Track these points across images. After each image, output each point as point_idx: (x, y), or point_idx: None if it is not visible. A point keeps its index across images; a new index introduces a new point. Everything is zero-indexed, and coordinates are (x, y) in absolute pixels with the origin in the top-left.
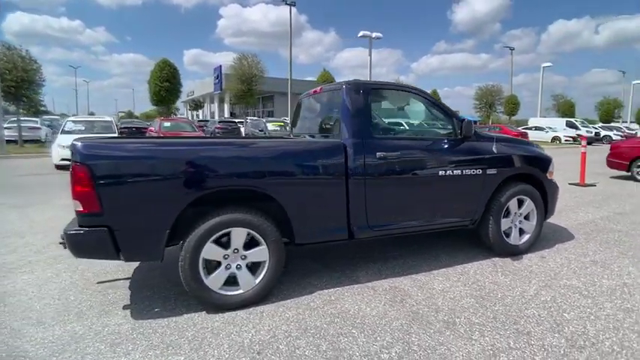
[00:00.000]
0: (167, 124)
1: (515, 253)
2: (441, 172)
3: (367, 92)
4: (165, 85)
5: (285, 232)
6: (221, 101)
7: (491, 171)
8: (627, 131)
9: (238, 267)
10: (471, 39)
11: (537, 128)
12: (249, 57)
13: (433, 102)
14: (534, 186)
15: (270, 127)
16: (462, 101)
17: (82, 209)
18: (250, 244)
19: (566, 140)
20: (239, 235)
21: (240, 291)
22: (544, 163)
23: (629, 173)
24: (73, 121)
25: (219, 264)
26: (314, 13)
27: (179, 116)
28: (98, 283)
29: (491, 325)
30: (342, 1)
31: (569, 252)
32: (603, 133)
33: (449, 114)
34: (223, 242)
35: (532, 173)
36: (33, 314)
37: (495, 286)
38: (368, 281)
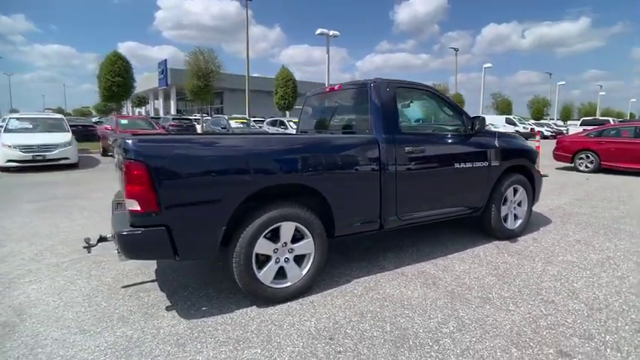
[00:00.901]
0: (124, 121)
1: (512, 236)
2: (456, 165)
3: (393, 90)
4: (117, 80)
5: (325, 225)
6: (166, 97)
7: (495, 163)
8: (556, 127)
9: (286, 260)
10: (411, 39)
11: None
12: (205, 52)
13: (445, 99)
14: (525, 176)
15: (233, 124)
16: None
17: (138, 209)
18: (296, 237)
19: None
20: (288, 229)
21: (289, 283)
22: (533, 155)
23: (572, 164)
24: (18, 119)
25: (268, 258)
26: (258, 8)
27: (124, 114)
28: (123, 287)
29: (520, 297)
30: None
31: (554, 233)
32: (537, 129)
33: (458, 111)
34: (273, 237)
35: (525, 165)
36: (70, 323)
37: (507, 265)
38: (395, 268)
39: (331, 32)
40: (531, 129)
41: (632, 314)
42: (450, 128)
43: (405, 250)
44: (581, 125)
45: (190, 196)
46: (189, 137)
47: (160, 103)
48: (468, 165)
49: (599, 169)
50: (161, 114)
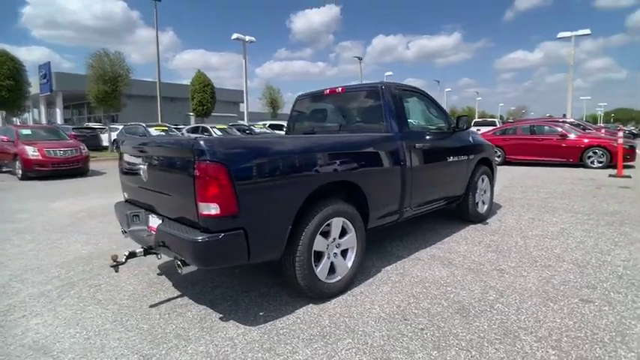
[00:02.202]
0: (26, 131)
1: (482, 219)
2: (449, 158)
3: (399, 91)
4: (7, 84)
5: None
6: (50, 104)
7: (472, 156)
8: None
9: (335, 255)
10: (309, 48)
11: None
12: (110, 54)
13: (433, 101)
14: (489, 167)
15: (153, 131)
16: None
17: (217, 212)
18: (342, 232)
19: None
20: (337, 225)
21: (339, 277)
22: (492, 149)
23: None
24: None
25: (321, 255)
26: (148, 10)
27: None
28: (152, 307)
29: (524, 266)
30: (181, 1)
31: (510, 215)
32: None
33: (442, 111)
34: (325, 233)
35: (488, 157)
36: (122, 351)
37: (496, 242)
38: (409, 255)
39: (247, 38)
40: None
41: (608, 267)
42: (439, 126)
43: (407, 239)
44: (474, 126)
45: (264, 197)
46: (261, 137)
47: (42, 111)
48: (457, 158)
49: (505, 162)
50: (44, 122)
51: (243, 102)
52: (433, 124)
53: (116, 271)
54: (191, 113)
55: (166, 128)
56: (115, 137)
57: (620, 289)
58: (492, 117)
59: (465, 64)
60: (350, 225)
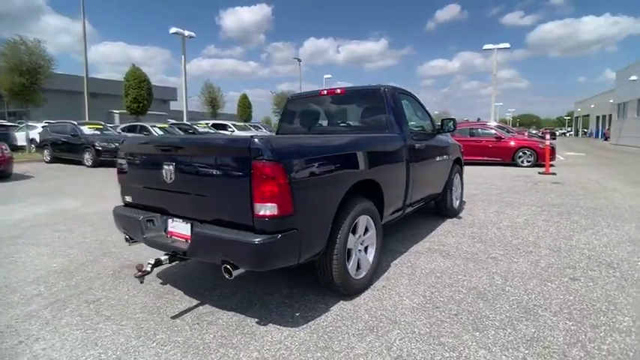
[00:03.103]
0: None
1: (456, 214)
2: (437, 157)
3: (397, 94)
4: None
5: None
6: None
7: (451, 156)
8: None
9: (359, 252)
10: (239, 46)
11: None
12: (29, 41)
13: (420, 103)
14: (459, 165)
15: (87, 130)
16: (232, 106)
17: (274, 213)
18: (365, 229)
19: None
20: (363, 222)
21: (364, 273)
22: (461, 148)
23: None
24: None
25: (349, 252)
26: None
27: None
28: (174, 317)
29: (511, 253)
30: None
31: (476, 209)
32: None
33: (427, 113)
34: (353, 231)
35: (459, 156)
36: None
37: (477, 234)
38: (407, 249)
39: (187, 32)
40: None
41: (577, 250)
42: (426, 127)
43: (397, 235)
44: None
45: (312, 196)
46: (311, 136)
47: None
48: (441, 158)
49: None
50: None
51: (174, 100)
52: (421, 125)
53: (141, 282)
54: (115, 111)
55: (101, 126)
56: (36, 136)
57: (593, 267)
58: None
59: (391, 70)
60: (372, 222)
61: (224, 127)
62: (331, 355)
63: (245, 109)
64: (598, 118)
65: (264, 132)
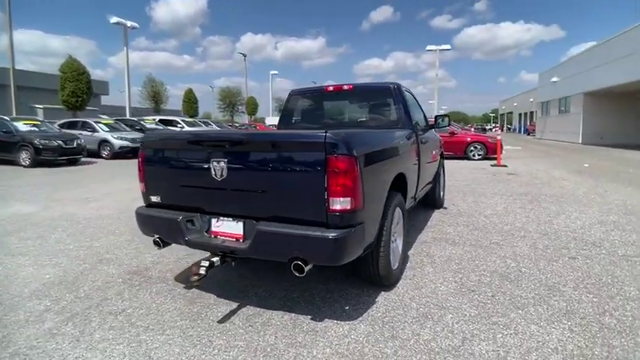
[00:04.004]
0: None
1: (442, 204)
2: (433, 151)
3: (404, 91)
4: None
5: None
6: None
7: (439, 150)
8: None
9: (392, 243)
10: (173, 39)
11: (275, 126)
12: None
13: (416, 100)
14: (442, 159)
15: (21, 126)
16: (174, 101)
17: (348, 207)
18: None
19: None
20: (397, 214)
21: (396, 264)
22: (442, 142)
23: None
24: None
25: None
26: None
27: None
28: (220, 322)
29: (510, 238)
30: None
31: (456, 199)
32: None
33: (421, 108)
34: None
35: (443, 151)
36: None
37: (470, 223)
38: (414, 239)
39: (129, 23)
40: None
41: (562, 233)
42: (420, 123)
43: None
44: None
45: (374, 189)
46: (370, 130)
47: None
48: (435, 151)
49: None
50: None
51: (105, 94)
52: (417, 120)
53: (198, 285)
54: (38, 105)
55: (39, 122)
56: None
57: (583, 247)
58: None
59: (329, 67)
60: (401, 213)
61: (171, 122)
62: (402, 343)
63: (191, 104)
64: (520, 115)
65: (215, 128)
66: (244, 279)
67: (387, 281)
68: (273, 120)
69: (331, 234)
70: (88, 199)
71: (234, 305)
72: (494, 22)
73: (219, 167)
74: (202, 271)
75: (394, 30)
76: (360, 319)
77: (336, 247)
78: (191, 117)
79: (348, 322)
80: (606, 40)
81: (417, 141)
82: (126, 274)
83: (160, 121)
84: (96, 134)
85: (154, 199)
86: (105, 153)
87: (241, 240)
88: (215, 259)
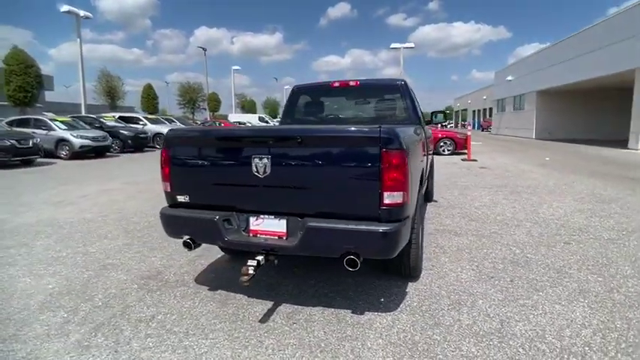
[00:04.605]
0: None
1: (432, 198)
2: (431, 146)
3: (409, 87)
4: None
5: None
6: None
7: (432, 144)
8: None
9: None
10: (121, 31)
11: (240, 123)
12: None
13: (415, 96)
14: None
15: None
16: (131, 98)
17: (400, 201)
18: None
19: None
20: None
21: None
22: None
23: None
24: None
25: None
26: None
27: None
28: (262, 322)
29: (506, 227)
30: None
31: (443, 192)
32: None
33: (418, 104)
34: None
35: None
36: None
37: (464, 214)
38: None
39: (82, 12)
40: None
41: (550, 221)
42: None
43: None
44: None
45: (414, 183)
46: (405, 126)
47: None
48: (431, 146)
49: None
50: None
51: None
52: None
53: (248, 285)
54: None
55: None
56: None
57: (572, 232)
58: None
59: (287, 63)
60: (420, 207)
61: (132, 119)
62: (447, 329)
63: (151, 100)
64: (474, 112)
65: (179, 125)
66: (269, 277)
67: (415, 272)
68: (236, 117)
69: (386, 228)
70: (62, 203)
71: (269, 304)
72: (447, 22)
73: (261, 164)
74: (251, 270)
75: (352, 27)
76: (399, 309)
77: (390, 241)
78: (150, 114)
79: (389, 313)
80: (556, 43)
81: (425, 136)
82: (139, 279)
83: (120, 118)
84: (52, 133)
85: (181, 198)
86: (63, 153)
87: (284, 237)
88: (260, 257)
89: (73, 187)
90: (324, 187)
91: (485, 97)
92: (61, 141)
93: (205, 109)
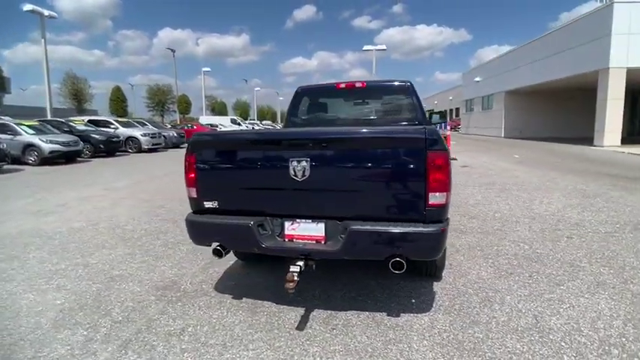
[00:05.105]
0: None
1: None
2: None
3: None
4: None
5: None
6: None
7: None
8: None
9: None
10: (80, 32)
11: (212, 125)
12: None
13: None
14: None
15: None
16: (98, 101)
17: (443, 201)
18: None
19: None
20: None
21: None
22: None
23: None
24: None
25: None
26: None
27: None
28: (299, 329)
29: (508, 224)
30: None
31: None
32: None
33: None
34: None
35: None
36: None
37: (462, 212)
38: None
39: (46, 12)
40: (253, 127)
41: (545, 216)
42: None
43: None
44: None
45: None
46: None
47: None
48: None
49: None
50: None
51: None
52: None
53: (294, 292)
54: None
55: None
56: None
57: (570, 227)
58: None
59: (255, 66)
60: None
61: (100, 123)
62: (487, 327)
63: (120, 103)
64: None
65: (152, 128)
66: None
67: (440, 272)
68: (207, 119)
69: (434, 229)
70: (42, 212)
71: (301, 310)
72: (410, 25)
73: (300, 167)
74: (296, 277)
75: (318, 29)
76: (433, 309)
77: (437, 242)
78: (119, 117)
79: (424, 314)
80: (523, 45)
81: None
82: (154, 290)
83: (90, 121)
84: (19, 138)
85: (209, 204)
86: (31, 159)
87: (322, 242)
88: (300, 263)
89: (49, 195)
90: (366, 189)
91: (451, 98)
92: (29, 146)
93: (175, 112)
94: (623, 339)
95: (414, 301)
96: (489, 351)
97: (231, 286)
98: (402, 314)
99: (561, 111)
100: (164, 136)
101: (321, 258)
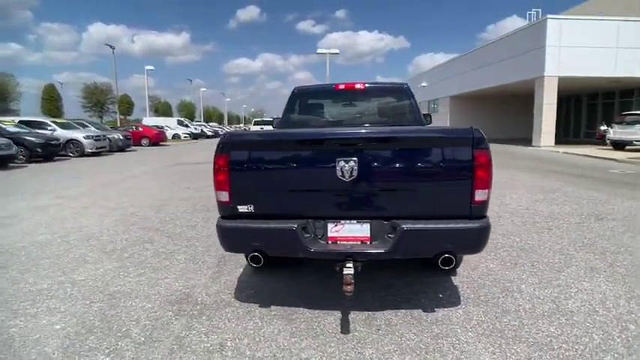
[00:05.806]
0: None
1: None
2: None
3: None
4: None
5: None
6: None
7: None
8: (218, 128)
9: None
10: None
11: (158, 127)
12: None
13: None
14: None
15: None
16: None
17: (485, 198)
18: None
19: (185, 137)
20: None
21: None
22: None
23: None
24: None
25: None
26: None
27: None
28: (344, 333)
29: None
30: None
31: None
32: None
33: None
34: None
35: None
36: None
37: None
38: None
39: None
40: (201, 129)
41: (524, 212)
42: None
43: None
44: (255, 125)
45: None
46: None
47: None
48: None
49: None
50: None
51: None
52: None
53: (351, 295)
54: None
55: None
56: None
57: (546, 219)
58: (238, 117)
59: (196, 65)
60: None
61: (32, 123)
62: (517, 314)
63: (54, 102)
64: None
65: (95, 130)
66: (312, 285)
67: (457, 266)
68: (152, 120)
69: (481, 224)
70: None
71: (337, 314)
72: (353, 31)
73: (347, 167)
74: (351, 279)
75: (262, 31)
76: (462, 302)
77: (483, 237)
78: (53, 117)
79: (456, 307)
80: (466, 53)
81: None
82: (168, 304)
83: (22, 122)
84: None
85: (244, 209)
86: None
87: (368, 242)
88: (350, 265)
89: None
90: (414, 187)
91: None
92: None
93: (115, 112)
94: (633, 315)
95: (441, 295)
96: (531, 337)
97: (252, 294)
98: (436, 309)
99: (501, 114)
100: (109, 138)
101: (367, 259)
